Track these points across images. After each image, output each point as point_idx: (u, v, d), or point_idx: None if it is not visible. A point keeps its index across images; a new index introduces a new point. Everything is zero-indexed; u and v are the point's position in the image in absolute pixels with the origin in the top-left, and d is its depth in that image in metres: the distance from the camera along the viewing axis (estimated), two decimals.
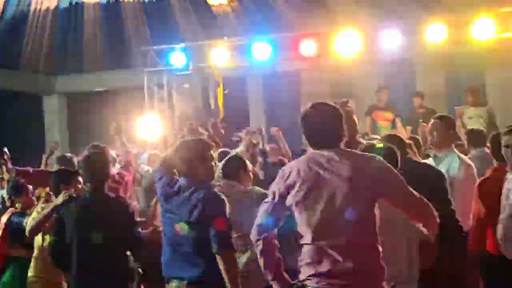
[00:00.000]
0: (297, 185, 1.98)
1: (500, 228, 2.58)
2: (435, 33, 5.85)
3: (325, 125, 2.05)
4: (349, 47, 6.21)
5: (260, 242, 2.05)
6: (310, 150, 2.09)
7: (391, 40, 6.00)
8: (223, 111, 6.94)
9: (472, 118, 5.91)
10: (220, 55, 6.89)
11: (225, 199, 2.43)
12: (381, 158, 2.04)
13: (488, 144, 3.45)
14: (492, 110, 6.13)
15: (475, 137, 4.07)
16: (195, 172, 2.46)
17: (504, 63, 6.46)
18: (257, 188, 3.10)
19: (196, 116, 6.40)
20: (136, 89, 7.48)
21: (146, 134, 6.39)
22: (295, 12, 6.73)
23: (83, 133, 7.92)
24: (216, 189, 2.60)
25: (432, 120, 3.55)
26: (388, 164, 2.03)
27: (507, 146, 2.57)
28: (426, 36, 5.93)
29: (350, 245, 1.91)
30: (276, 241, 2.10)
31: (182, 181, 2.47)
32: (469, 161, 3.36)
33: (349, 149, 2.15)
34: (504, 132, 2.70)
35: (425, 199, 2.00)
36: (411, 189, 1.97)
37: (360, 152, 2.18)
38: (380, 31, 6.10)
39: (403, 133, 5.47)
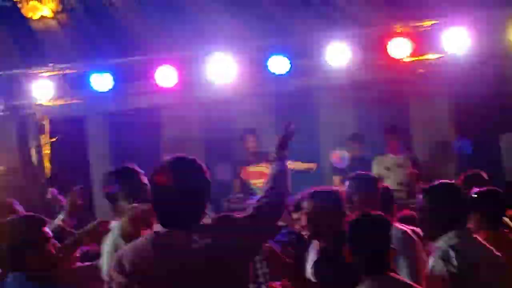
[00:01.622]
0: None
1: None
2: (336, 54, 4.61)
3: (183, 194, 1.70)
4: (224, 75, 4.84)
5: None
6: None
7: (280, 65, 4.65)
8: (51, 168, 5.01)
9: (390, 170, 5.08)
10: (44, 88, 5.02)
11: None
12: None
13: None
14: (417, 157, 5.31)
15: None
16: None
17: (432, 92, 5.43)
18: None
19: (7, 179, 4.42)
20: None
21: None
22: (150, 30, 5.11)
23: None
24: None
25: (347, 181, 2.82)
26: None
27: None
28: (327, 59, 4.67)
29: None
30: None
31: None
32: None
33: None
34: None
35: None
36: None
37: None
38: (266, 53, 4.75)
39: None
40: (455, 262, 2.05)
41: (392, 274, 1.97)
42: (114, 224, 2.45)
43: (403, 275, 2.34)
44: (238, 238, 1.77)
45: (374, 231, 1.97)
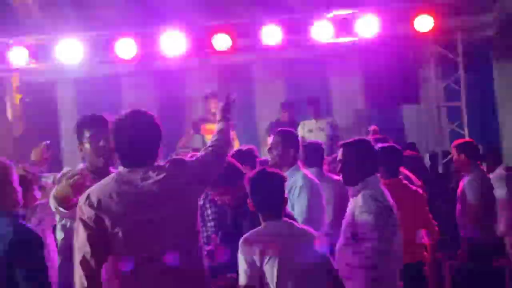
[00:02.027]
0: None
1: None
2: (270, 35, 5.50)
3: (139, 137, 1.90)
4: (176, 49, 5.71)
5: None
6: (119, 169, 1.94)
7: (223, 42, 5.53)
8: (24, 124, 5.75)
9: (312, 132, 5.85)
10: (18, 56, 5.63)
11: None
12: None
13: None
14: (335, 122, 6.17)
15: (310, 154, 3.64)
16: None
17: (348, 70, 6.52)
18: None
19: None
20: None
21: None
22: (113, 7, 5.91)
23: None
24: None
25: (272, 136, 3.31)
26: None
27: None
28: (262, 38, 5.54)
29: None
30: None
31: None
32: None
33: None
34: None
35: None
36: None
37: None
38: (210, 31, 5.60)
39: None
40: (381, 200, 2.44)
41: (285, 219, 2.23)
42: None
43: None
44: (187, 172, 2.00)
45: (269, 184, 2.20)
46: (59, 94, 6.79)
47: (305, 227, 2.38)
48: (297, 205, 3.00)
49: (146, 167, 1.91)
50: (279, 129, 3.45)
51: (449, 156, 5.30)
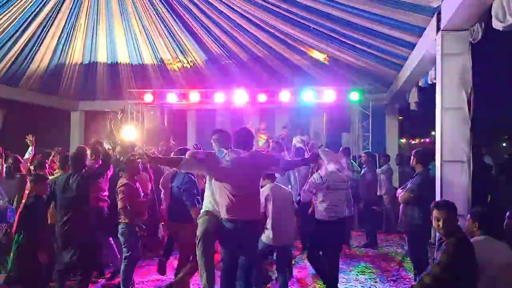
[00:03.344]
0: None
1: None
2: (285, 96, 12.59)
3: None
4: (242, 99, 12.68)
5: None
6: None
7: (264, 97, 12.70)
8: None
9: (299, 142, 13.01)
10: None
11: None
12: None
13: None
14: (306, 138, 13.45)
15: None
16: None
17: (319, 114, 13.95)
18: None
19: None
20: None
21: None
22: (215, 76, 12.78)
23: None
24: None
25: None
26: None
27: None
28: (280, 97, 12.72)
29: None
30: None
31: None
32: None
33: None
34: None
35: None
36: None
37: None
38: None
39: None
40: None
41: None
42: None
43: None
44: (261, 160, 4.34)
45: None
46: None
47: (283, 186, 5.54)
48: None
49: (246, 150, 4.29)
50: (277, 141, 8.85)
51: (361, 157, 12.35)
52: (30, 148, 7.16)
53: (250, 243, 4.26)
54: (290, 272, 6.43)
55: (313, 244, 5.83)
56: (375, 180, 9.44)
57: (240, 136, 4.40)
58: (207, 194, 4.73)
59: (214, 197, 4.49)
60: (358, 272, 7.03)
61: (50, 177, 5.80)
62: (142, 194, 5.74)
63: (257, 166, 4.26)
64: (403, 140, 25.69)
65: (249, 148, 4.35)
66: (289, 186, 6.52)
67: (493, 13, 4.76)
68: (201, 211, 4.80)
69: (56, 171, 6.35)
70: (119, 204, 5.26)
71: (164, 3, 9.15)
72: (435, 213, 3.74)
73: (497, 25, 4.71)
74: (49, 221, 5.50)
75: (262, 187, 5.16)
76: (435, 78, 6.55)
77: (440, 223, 3.68)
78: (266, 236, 5.32)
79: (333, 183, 5.59)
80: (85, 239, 5.01)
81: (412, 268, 5.96)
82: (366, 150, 10.52)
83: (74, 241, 5.01)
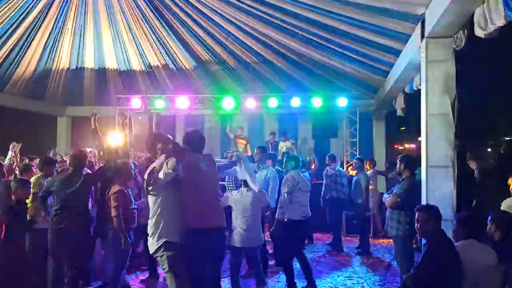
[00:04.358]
0: None
1: None
2: (274, 102, 12.69)
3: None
4: (229, 104, 12.71)
5: None
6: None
7: (252, 103, 12.73)
8: None
9: (284, 147, 13.08)
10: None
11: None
12: None
13: None
14: (292, 142, 13.53)
15: None
16: None
17: (305, 121, 14.06)
18: None
19: None
20: (110, 117, 12.13)
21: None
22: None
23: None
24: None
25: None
26: None
27: None
28: (269, 103, 12.79)
29: None
30: None
31: None
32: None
33: None
34: None
35: None
36: None
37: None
38: None
39: None
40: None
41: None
42: None
43: None
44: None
45: None
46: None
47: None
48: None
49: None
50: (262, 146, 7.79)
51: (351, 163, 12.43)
52: (10, 153, 6.99)
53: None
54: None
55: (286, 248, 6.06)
56: (368, 186, 9.42)
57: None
58: None
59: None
60: (345, 278, 7.06)
61: (49, 178, 5.72)
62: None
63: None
64: (398, 147, 25.92)
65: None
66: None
67: (475, 21, 4.86)
68: None
69: (39, 174, 6.23)
70: (113, 212, 5.07)
71: (152, 9, 9.15)
72: (416, 215, 3.89)
73: (479, 32, 4.81)
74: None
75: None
76: (420, 84, 6.64)
77: (418, 225, 3.83)
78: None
79: (302, 185, 6.10)
80: (78, 240, 4.97)
81: (399, 273, 6.00)
82: (358, 156, 10.59)
83: (66, 242, 4.94)
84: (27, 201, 5.47)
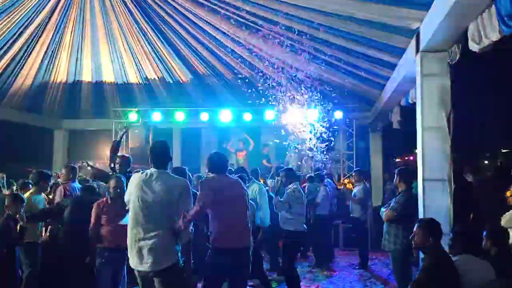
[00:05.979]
0: None
1: None
2: (270, 115, 12.72)
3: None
4: (227, 118, 12.71)
5: None
6: None
7: (249, 116, 12.72)
8: None
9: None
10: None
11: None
12: None
13: None
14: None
15: None
16: None
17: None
18: None
19: None
20: (107, 131, 12.14)
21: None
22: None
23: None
24: None
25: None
26: None
27: None
28: (266, 115, 12.82)
29: None
30: None
31: None
32: None
33: None
34: None
35: None
36: None
37: None
38: None
39: None
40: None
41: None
42: None
43: None
44: None
45: None
46: None
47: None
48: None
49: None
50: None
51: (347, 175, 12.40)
52: None
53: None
54: None
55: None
56: (367, 199, 9.35)
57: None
58: None
59: None
60: None
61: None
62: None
63: None
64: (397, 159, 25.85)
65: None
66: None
67: (469, 36, 4.90)
68: None
69: (31, 190, 6.12)
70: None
71: (149, 22, 9.21)
72: (415, 229, 3.84)
73: (473, 47, 4.84)
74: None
75: None
76: (415, 98, 6.67)
77: (417, 238, 3.79)
78: None
79: (302, 198, 6.39)
80: (83, 259, 4.89)
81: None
82: (357, 169, 10.54)
83: (71, 260, 4.95)
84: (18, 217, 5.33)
